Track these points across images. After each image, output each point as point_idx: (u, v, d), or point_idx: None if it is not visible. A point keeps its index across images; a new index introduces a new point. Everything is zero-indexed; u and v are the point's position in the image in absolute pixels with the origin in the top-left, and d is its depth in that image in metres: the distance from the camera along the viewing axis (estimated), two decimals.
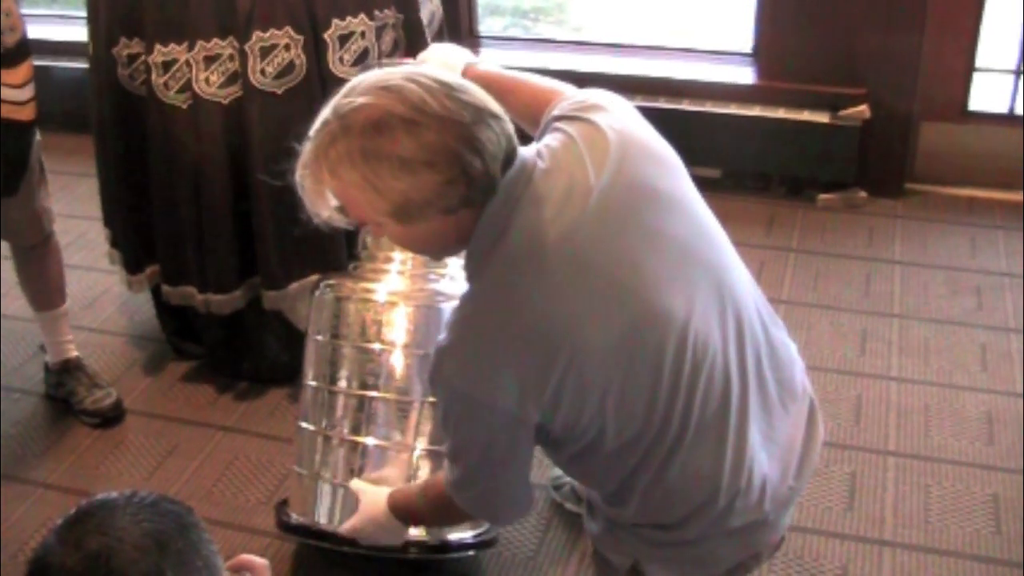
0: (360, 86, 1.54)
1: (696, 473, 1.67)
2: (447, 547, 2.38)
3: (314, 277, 2.85)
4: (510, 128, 1.59)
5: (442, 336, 1.62)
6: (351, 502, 2.25)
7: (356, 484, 2.24)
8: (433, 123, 1.49)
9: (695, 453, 1.65)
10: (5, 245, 2.84)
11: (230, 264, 2.92)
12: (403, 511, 2.06)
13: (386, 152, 1.49)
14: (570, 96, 1.74)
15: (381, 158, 1.49)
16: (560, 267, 1.56)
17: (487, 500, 1.78)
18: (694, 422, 1.63)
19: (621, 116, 1.68)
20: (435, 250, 1.75)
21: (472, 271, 1.62)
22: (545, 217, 1.56)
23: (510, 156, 1.57)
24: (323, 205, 1.59)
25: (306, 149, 1.56)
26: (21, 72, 2.58)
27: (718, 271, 1.68)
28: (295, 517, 2.40)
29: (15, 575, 2.56)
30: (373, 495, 2.12)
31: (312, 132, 1.56)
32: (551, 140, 1.64)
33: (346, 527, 2.18)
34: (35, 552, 1.24)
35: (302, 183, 1.58)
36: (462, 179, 1.52)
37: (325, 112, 1.56)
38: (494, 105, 1.57)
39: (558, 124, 1.66)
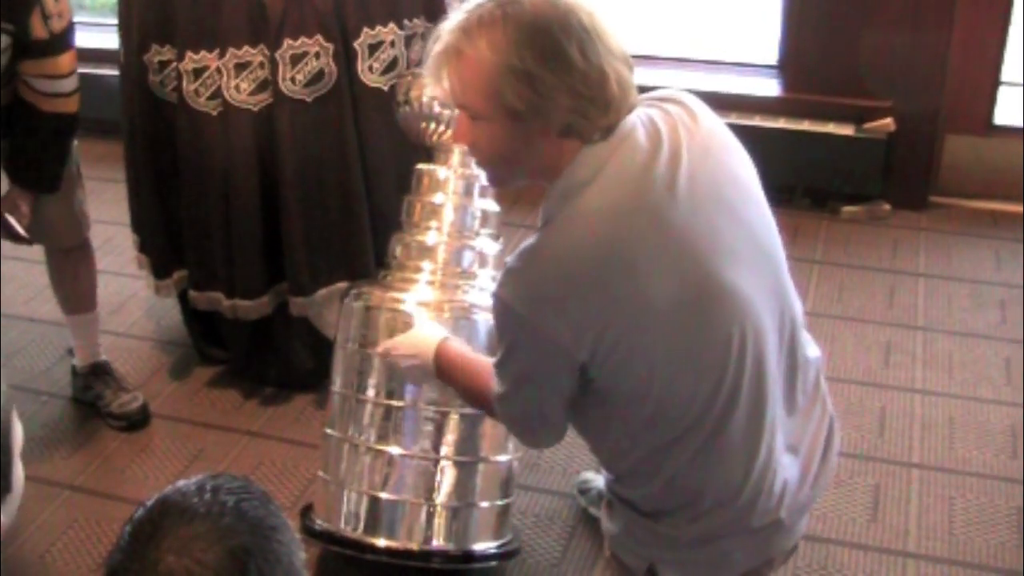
0: None
1: (730, 464, 1.68)
2: (471, 557, 2.39)
3: (342, 284, 2.87)
4: (634, 83, 1.61)
5: (513, 257, 1.63)
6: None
7: (417, 310, 2.28)
8: (589, 48, 1.51)
9: (732, 445, 1.67)
10: (25, 248, 2.85)
11: (258, 270, 2.94)
12: (444, 364, 2.02)
13: (535, 59, 1.50)
14: (659, 89, 1.77)
15: (530, 63, 1.50)
16: (640, 219, 1.57)
17: (524, 418, 1.80)
18: (739, 410, 1.65)
19: (707, 111, 1.72)
20: (516, 164, 1.67)
21: (557, 205, 1.62)
22: (637, 170, 1.58)
23: (630, 107, 1.60)
24: (437, 79, 1.60)
25: (455, 18, 1.56)
26: (66, 61, 2.55)
27: (778, 268, 1.71)
28: (320, 523, 2.42)
29: (41, 574, 2.59)
30: (429, 329, 2.12)
31: (468, 5, 1.56)
32: (650, 110, 1.67)
33: (388, 343, 2.17)
34: (108, 565, 1.15)
35: (432, 45, 1.58)
36: (593, 111, 1.54)
37: None
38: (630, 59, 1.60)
39: (654, 103, 1.69)
